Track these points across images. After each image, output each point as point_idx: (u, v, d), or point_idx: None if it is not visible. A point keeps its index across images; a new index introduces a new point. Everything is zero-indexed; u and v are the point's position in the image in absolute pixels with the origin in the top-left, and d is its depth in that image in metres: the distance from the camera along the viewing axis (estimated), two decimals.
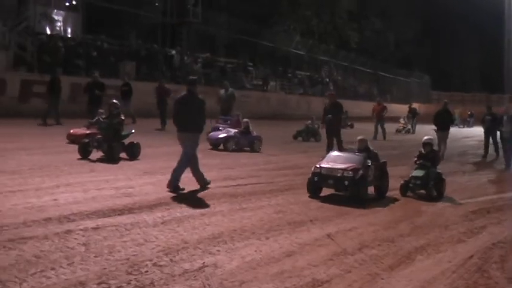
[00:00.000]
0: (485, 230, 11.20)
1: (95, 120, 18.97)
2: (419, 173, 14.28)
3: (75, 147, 17.20)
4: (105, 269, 7.31)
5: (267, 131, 27.54)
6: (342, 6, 71.93)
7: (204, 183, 13.22)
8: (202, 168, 13.43)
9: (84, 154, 16.70)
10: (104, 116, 18.28)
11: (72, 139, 18.96)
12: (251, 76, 51.19)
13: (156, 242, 8.60)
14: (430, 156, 14.70)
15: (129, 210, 10.48)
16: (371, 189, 13.70)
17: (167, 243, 8.57)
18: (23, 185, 12.15)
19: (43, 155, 16.70)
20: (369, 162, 13.32)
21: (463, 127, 57.78)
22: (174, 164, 13.01)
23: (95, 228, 9.05)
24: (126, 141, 17.54)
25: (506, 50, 70.86)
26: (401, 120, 44.88)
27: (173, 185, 12.61)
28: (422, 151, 14.83)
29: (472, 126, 57.61)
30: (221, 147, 21.54)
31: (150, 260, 7.76)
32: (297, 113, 49.49)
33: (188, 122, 12.90)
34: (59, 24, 38.67)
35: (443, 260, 8.89)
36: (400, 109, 58.79)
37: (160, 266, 7.58)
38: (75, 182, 12.77)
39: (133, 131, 18.34)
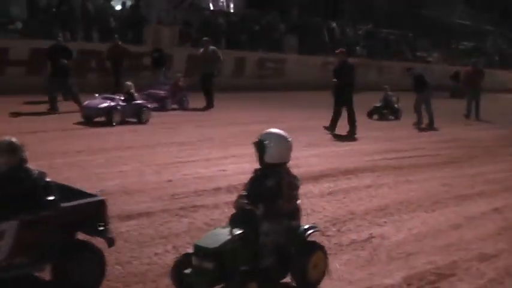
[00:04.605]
0: None
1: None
2: (212, 240, 5.69)
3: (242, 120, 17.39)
4: None
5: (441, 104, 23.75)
6: None
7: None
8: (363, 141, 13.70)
9: None
10: None
11: None
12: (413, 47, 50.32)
13: (323, 212, 8.80)
14: (268, 187, 6.27)
15: None
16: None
17: (334, 213, 8.75)
18: (192, 156, 12.67)
19: (211, 127, 17.14)
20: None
21: None
22: None
23: None
24: None
25: None
26: None
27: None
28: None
29: None
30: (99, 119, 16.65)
31: None
32: None
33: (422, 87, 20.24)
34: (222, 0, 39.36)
35: None
36: None
37: (328, 235, 7.75)
38: (241, 153, 12.97)
39: None
